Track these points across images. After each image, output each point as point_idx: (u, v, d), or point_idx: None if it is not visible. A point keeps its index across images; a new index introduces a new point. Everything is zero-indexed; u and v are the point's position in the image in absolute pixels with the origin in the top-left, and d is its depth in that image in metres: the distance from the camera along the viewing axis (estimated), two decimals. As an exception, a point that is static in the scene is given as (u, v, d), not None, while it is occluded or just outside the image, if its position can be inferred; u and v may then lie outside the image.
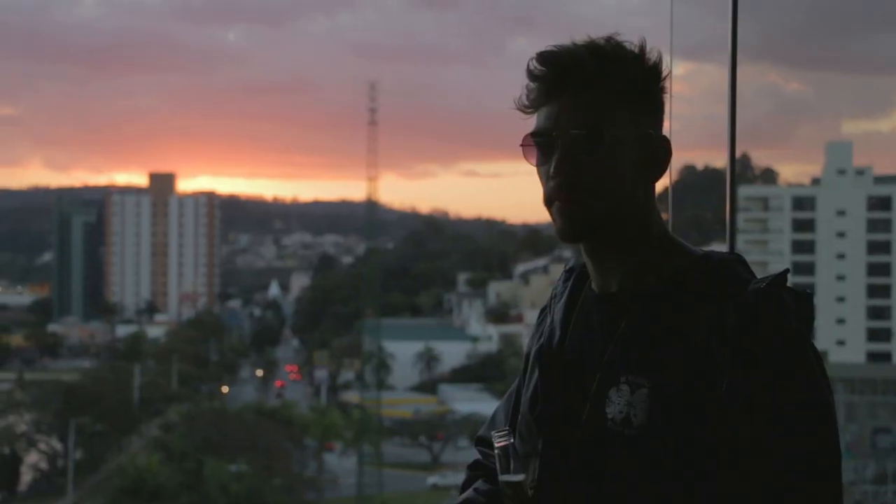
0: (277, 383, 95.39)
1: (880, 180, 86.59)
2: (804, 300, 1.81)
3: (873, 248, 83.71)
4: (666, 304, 1.82)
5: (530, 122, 1.92)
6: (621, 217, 1.86)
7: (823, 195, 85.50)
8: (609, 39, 1.87)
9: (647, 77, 1.88)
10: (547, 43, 1.89)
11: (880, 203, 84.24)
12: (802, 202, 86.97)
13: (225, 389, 79.77)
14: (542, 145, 1.88)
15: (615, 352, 1.85)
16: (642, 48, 1.88)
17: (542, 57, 1.87)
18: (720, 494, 1.75)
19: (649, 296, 1.84)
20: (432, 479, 56.31)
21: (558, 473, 1.88)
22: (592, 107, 1.84)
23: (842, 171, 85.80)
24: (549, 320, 2.02)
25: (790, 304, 1.78)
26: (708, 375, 1.77)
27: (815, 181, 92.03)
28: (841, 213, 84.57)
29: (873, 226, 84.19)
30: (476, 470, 2.15)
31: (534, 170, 1.93)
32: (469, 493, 2.11)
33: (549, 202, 1.88)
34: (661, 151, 1.89)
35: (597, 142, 1.83)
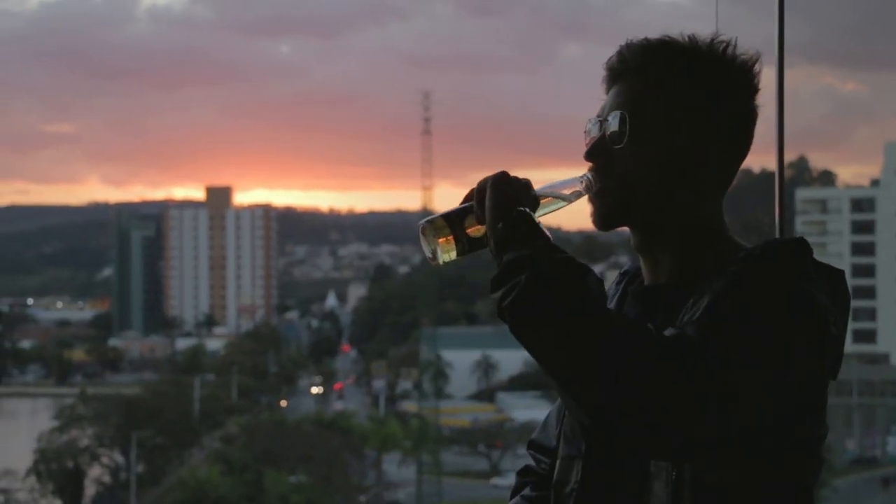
0: (336, 386, 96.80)
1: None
2: (836, 276, 1.77)
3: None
4: (699, 291, 1.78)
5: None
6: (655, 211, 1.84)
7: (883, 196, 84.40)
8: (690, 37, 1.86)
9: (694, 75, 1.84)
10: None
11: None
12: (861, 204, 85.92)
13: (283, 403, 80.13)
14: (590, 133, 1.89)
15: None
16: (698, 47, 1.85)
17: (618, 48, 1.89)
18: None
19: (687, 286, 1.81)
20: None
21: (602, 475, 1.85)
22: (628, 99, 1.84)
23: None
24: None
25: (812, 275, 1.73)
26: None
27: (874, 182, 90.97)
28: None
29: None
30: (525, 476, 2.12)
31: None
32: (516, 500, 2.10)
33: None
34: (708, 151, 1.84)
35: (622, 133, 1.82)
